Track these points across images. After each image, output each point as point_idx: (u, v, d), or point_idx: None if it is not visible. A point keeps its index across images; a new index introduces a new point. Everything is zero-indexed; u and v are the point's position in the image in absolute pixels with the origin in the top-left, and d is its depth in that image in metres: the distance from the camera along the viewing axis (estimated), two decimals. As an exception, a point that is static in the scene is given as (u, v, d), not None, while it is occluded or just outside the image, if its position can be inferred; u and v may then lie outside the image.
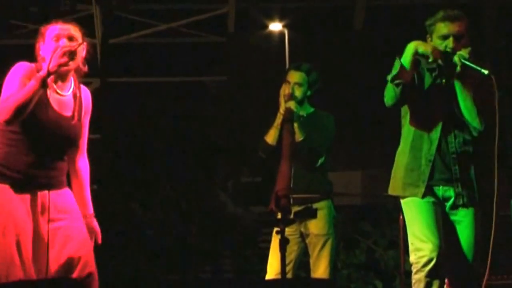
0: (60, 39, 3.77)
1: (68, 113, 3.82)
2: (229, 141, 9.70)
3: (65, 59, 3.65)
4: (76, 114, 3.84)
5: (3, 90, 3.70)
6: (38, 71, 3.68)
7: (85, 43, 3.85)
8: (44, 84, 3.61)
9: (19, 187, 3.70)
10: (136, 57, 10.67)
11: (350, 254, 7.69)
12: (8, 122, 3.64)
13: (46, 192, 3.74)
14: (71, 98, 3.85)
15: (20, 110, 3.59)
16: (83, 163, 3.97)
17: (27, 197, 3.71)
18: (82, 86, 3.96)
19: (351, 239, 7.77)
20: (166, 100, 10.71)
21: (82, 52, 3.84)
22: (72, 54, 3.69)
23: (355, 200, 8.55)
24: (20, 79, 3.68)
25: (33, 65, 3.78)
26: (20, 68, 3.73)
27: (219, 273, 8.39)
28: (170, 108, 10.48)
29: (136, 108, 9.76)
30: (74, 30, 3.84)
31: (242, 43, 11.49)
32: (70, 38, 3.78)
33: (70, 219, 3.79)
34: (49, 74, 3.63)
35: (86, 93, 3.96)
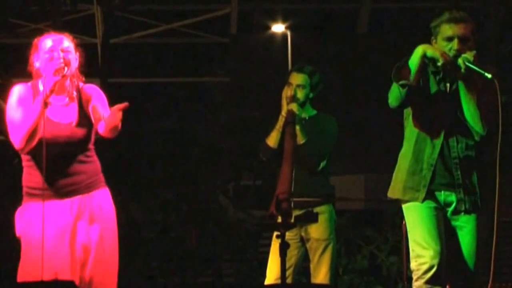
0: (54, 51, 3.88)
1: (66, 120, 3.92)
2: (230, 144, 9.65)
3: (57, 77, 3.81)
4: (77, 117, 3.93)
5: (7, 116, 3.88)
6: (33, 87, 3.87)
7: (77, 53, 3.98)
8: (45, 105, 3.78)
9: (46, 199, 3.86)
10: (137, 58, 10.63)
11: (352, 259, 7.66)
12: (22, 150, 3.87)
13: (74, 198, 3.89)
14: (69, 104, 3.95)
15: (31, 137, 3.79)
16: None
17: (56, 206, 3.87)
18: (84, 85, 4.03)
19: (353, 244, 7.73)
20: (167, 101, 10.66)
21: (75, 62, 3.95)
22: (61, 71, 3.83)
23: (357, 204, 8.50)
24: (21, 104, 3.86)
25: (28, 84, 3.92)
26: (17, 93, 3.90)
27: (219, 277, 8.36)
28: (171, 110, 10.44)
29: (137, 109, 9.71)
30: (67, 41, 3.96)
31: (245, 45, 11.43)
32: (64, 50, 3.90)
33: (101, 224, 3.92)
34: (48, 95, 3.79)
35: (88, 89, 4.01)
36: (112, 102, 3.90)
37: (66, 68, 3.84)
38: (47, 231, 3.82)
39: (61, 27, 7.53)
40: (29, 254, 3.84)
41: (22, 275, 3.84)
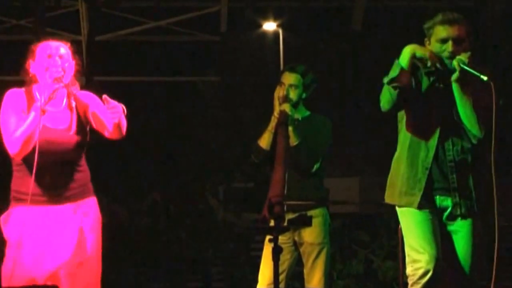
0: (51, 59, 3.91)
1: (62, 125, 3.94)
2: (221, 145, 9.61)
3: (56, 85, 3.84)
4: (73, 124, 3.96)
5: (1, 122, 3.90)
6: (27, 93, 3.91)
7: (74, 61, 4.01)
8: (43, 112, 3.81)
9: (36, 204, 3.88)
10: (123, 56, 10.57)
11: (347, 264, 7.68)
12: (17, 155, 3.87)
13: (63, 206, 3.91)
14: (65, 111, 3.98)
15: (27, 144, 3.81)
16: None
17: (46, 212, 3.89)
18: (79, 92, 4.04)
19: (348, 249, 7.71)
20: (155, 101, 10.63)
21: (71, 70, 3.98)
22: (61, 79, 3.86)
23: (352, 208, 8.50)
24: (16, 110, 3.88)
25: (22, 90, 3.95)
26: (10, 98, 3.91)
27: (209, 282, 8.33)
28: (159, 110, 10.39)
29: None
30: (64, 48, 3.99)
31: (235, 43, 11.38)
32: (61, 57, 3.94)
33: (87, 233, 3.94)
34: (46, 102, 3.84)
35: (83, 97, 4.02)
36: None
37: (62, 78, 3.88)
38: (36, 236, 3.86)
39: (44, 23, 7.47)
40: (15, 258, 3.84)
41: (7, 279, 3.83)
